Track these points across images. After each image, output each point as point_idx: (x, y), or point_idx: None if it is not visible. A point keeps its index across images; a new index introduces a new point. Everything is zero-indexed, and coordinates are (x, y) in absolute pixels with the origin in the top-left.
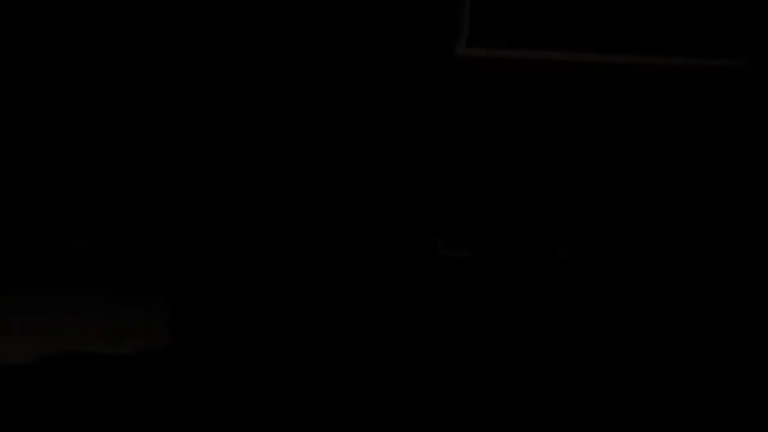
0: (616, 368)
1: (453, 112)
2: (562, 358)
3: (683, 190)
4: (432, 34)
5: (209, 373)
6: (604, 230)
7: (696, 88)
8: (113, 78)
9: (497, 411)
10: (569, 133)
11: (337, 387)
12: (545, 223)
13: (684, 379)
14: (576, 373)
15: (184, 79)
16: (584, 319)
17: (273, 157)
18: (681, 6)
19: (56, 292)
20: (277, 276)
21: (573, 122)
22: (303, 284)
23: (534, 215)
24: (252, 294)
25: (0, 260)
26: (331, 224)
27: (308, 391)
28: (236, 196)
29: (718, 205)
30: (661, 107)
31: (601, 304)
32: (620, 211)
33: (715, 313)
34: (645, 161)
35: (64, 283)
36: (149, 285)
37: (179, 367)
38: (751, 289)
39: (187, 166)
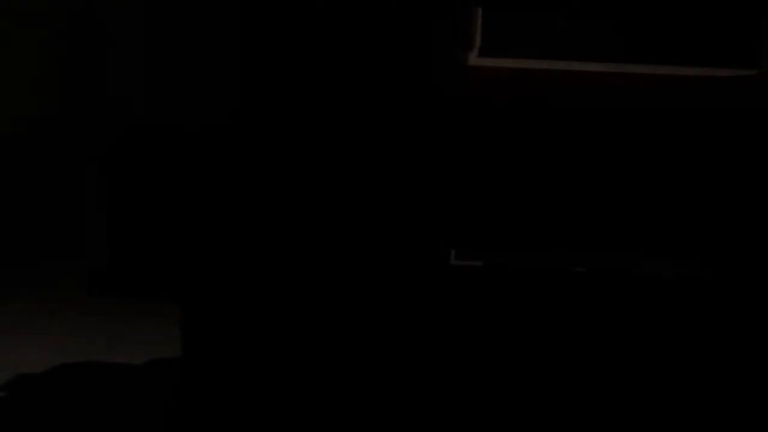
0: (627, 381)
1: (466, 121)
2: (572, 369)
3: (699, 200)
4: (446, 45)
5: (222, 381)
6: (619, 241)
7: (711, 99)
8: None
9: (506, 420)
10: (583, 143)
11: (349, 393)
12: (560, 234)
13: (695, 395)
14: (586, 384)
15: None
16: (596, 330)
17: (288, 167)
18: (692, 16)
19: (71, 299)
20: (291, 284)
21: (587, 131)
22: (316, 292)
23: (548, 225)
24: (266, 303)
25: (17, 266)
26: (344, 234)
27: (321, 397)
28: (252, 206)
29: (731, 217)
30: (674, 116)
31: (615, 316)
32: (635, 221)
33: (729, 327)
34: (659, 171)
35: (78, 291)
36: (162, 293)
37: (191, 376)
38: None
39: (202, 174)
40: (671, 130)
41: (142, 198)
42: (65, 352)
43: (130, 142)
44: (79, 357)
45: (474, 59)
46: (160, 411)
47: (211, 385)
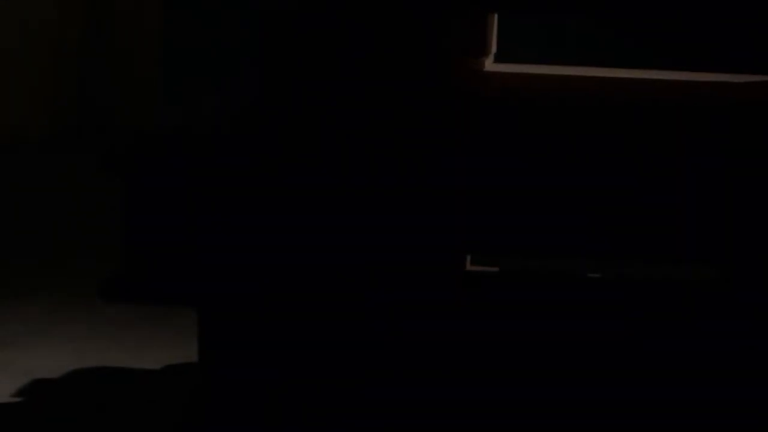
0: (642, 385)
1: (481, 125)
2: (587, 374)
3: (710, 204)
4: (460, 51)
5: (239, 386)
6: (635, 247)
7: (726, 104)
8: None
9: (520, 425)
10: (600, 148)
11: (364, 396)
12: (574, 240)
13: (707, 397)
14: (600, 388)
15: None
16: (611, 335)
17: (303, 171)
18: (713, 22)
19: (87, 304)
20: (306, 289)
21: (604, 137)
22: (331, 297)
23: (563, 231)
24: (282, 307)
25: (33, 271)
26: (359, 238)
27: (336, 400)
28: (268, 209)
29: (741, 220)
30: (689, 122)
31: (629, 321)
32: (649, 227)
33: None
34: (671, 176)
35: (94, 296)
36: (179, 298)
37: (208, 381)
38: None
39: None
40: (682, 134)
41: (158, 202)
42: (82, 357)
43: (146, 147)
44: (95, 362)
45: (490, 65)
46: (178, 416)
47: (229, 390)
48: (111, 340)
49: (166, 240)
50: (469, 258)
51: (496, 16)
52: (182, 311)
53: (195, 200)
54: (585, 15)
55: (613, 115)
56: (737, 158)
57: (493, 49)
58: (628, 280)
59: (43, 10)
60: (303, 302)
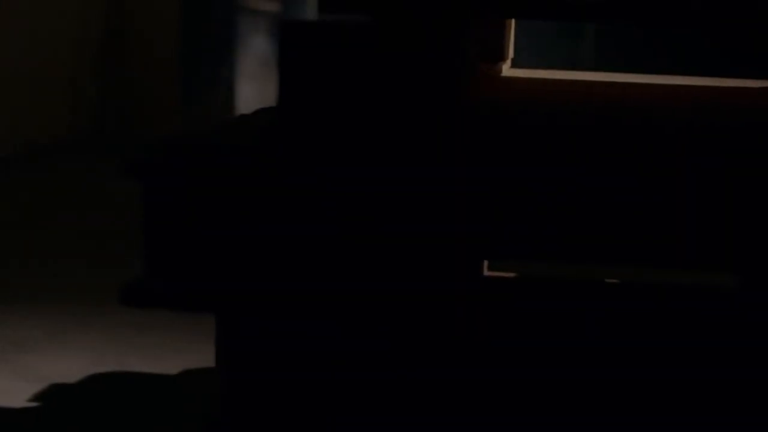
0: (659, 392)
1: (500, 133)
2: (603, 379)
3: (730, 211)
4: (479, 57)
5: (258, 392)
6: (651, 254)
7: (743, 109)
8: None
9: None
10: (616, 154)
11: (382, 403)
12: (592, 246)
13: (726, 405)
14: (617, 394)
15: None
16: (628, 341)
17: (322, 179)
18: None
19: (106, 310)
20: (323, 296)
21: (620, 143)
22: (348, 303)
23: (581, 237)
24: (301, 313)
25: (51, 276)
26: (376, 244)
27: (355, 407)
28: (289, 217)
29: (761, 227)
30: (708, 127)
31: (647, 327)
32: (667, 233)
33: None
34: (689, 181)
35: (113, 301)
36: (198, 304)
37: (228, 388)
38: None
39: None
40: (701, 139)
41: (177, 207)
42: (99, 362)
43: (166, 152)
44: (113, 367)
45: (507, 70)
46: (197, 422)
47: (249, 397)
48: (129, 345)
49: (185, 244)
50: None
51: (513, 21)
52: (200, 316)
53: (212, 205)
54: (603, 21)
55: (632, 121)
56: (755, 162)
57: (511, 54)
58: (645, 285)
59: (64, 17)
60: (319, 309)
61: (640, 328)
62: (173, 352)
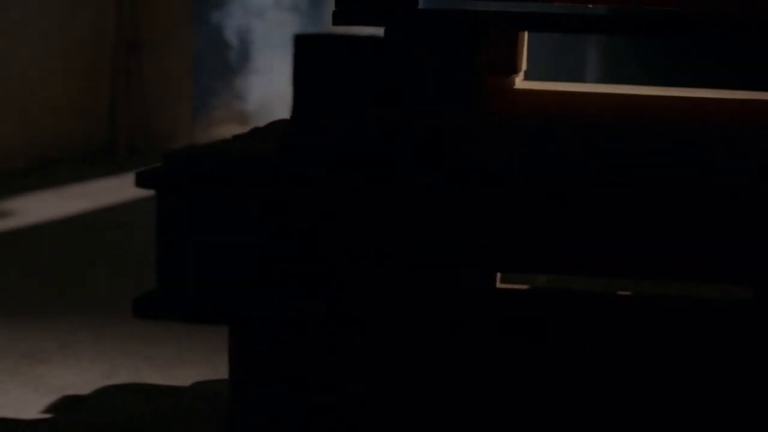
0: (675, 405)
1: (513, 144)
2: (617, 393)
3: (745, 223)
4: (492, 70)
5: (273, 405)
6: (664, 267)
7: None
8: None
9: None
10: (629, 163)
11: (396, 415)
12: (606, 259)
13: (743, 419)
14: (632, 407)
15: None
16: (642, 354)
17: (336, 192)
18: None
19: (118, 321)
20: (339, 308)
21: (633, 154)
22: (362, 314)
23: (595, 248)
24: (316, 325)
25: (64, 286)
26: (389, 257)
27: (370, 420)
28: (301, 229)
29: None
30: (725, 141)
31: (661, 341)
32: (680, 244)
33: None
34: (703, 193)
35: (126, 313)
36: (212, 316)
37: (241, 400)
38: None
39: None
40: (720, 152)
41: (194, 219)
42: (112, 374)
43: (180, 164)
44: (125, 379)
45: (520, 82)
46: None
47: (262, 410)
48: (141, 358)
49: (199, 256)
50: (498, 276)
51: (526, 33)
52: (213, 328)
53: (227, 216)
54: (613, 34)
55: (644, 132)
56: None
57: (524, 66)
58: (658, 298)
59: (75, 29)
60: (335, 321)
61: (651, 341)
62: (186, 364)
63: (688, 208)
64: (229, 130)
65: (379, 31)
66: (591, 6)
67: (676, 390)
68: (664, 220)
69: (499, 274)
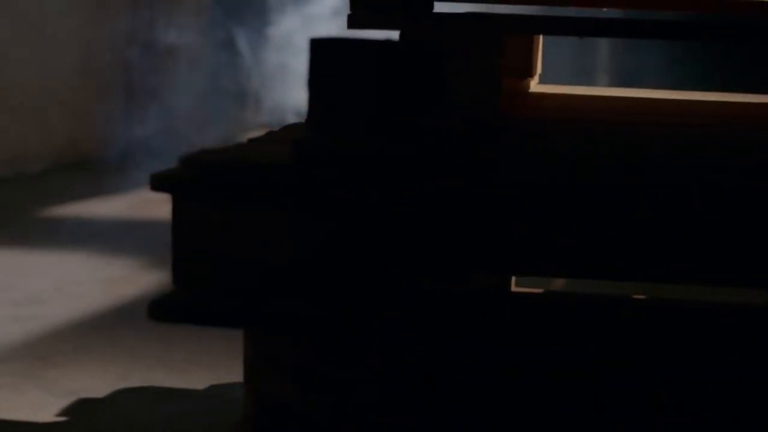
0: (687, 410)
1: (526, 146)
2: (632, 399)
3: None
4: (507, 73)
5: (288, 410)
6: (680, 271)
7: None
8: None
9: None
10: (645, 170)
11: (409, 422)
12: (620, 264)
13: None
14: (647, 412)
15: None
16: (658, 359)
17: (354, 195)
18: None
19: (132, 324)
20: (353, 311)
21: (650, 158)
22: (375, 318)
23: (607, 253)
24: (331, 331)
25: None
26: (402, 261)
27: (385, 425)
28: (316, 231)
29: None
30: (743, 146)
31: (676, 344)
32: (697, 248)
33: None
34: (719, 197)
35: (140, 315)
36: (226, 319)
37: (256, 404)
38: None
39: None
40: (737, 157)
41: (209, 222)
42: (126, 377)
43: (193, 169)
44: (139, 382)
45: (535, 86)
46: None
47: (278, 414)
48: (155, 360)
49: (214, 259)
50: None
51: (542, 37)
52: (227, 331)
53: (241, 219)
54: (631, 37)
55: (658, 136)
56: None
57: (539, 70)
58: (674, 302)
59: (73, 39)
60: (349, 327)
61: (667, 345)
62: (201, 367)
63: (704, 210)
64: (245, 133)
65: (394, 35)
66: (606, 10)
67: (693, 393)
68: (683, 223)
69: (513, 278)
